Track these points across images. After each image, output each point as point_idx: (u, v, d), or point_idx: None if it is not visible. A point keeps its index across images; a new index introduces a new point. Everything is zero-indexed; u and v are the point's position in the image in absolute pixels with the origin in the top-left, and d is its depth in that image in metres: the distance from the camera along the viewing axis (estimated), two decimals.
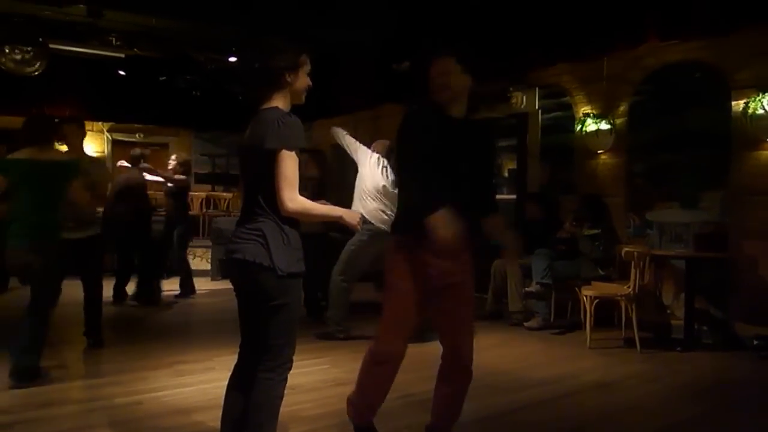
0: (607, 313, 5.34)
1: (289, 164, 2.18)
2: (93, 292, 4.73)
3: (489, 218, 2.70)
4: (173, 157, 7.07)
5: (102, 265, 4.90)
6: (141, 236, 6.63)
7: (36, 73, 7.35)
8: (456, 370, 2.65)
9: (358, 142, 5.37)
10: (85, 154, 4.99)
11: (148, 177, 6.79)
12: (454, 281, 2.57)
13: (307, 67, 2.35)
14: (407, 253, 2.54)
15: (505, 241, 2.76)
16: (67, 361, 4.37)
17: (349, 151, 5.38)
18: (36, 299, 3.79)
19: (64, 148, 4.61)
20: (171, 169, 6.91)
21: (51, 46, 7.42)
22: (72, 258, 4.70)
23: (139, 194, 6.66)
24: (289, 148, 2.18)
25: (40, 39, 7.25)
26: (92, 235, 4.64)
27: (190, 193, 10.78)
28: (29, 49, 7.16)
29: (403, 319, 2.58)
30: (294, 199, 2.18)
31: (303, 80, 2.33)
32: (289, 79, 2.29)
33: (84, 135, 4.94)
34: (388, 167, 5.18)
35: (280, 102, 2.29)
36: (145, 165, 6.78)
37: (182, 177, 6.87)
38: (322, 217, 2.46)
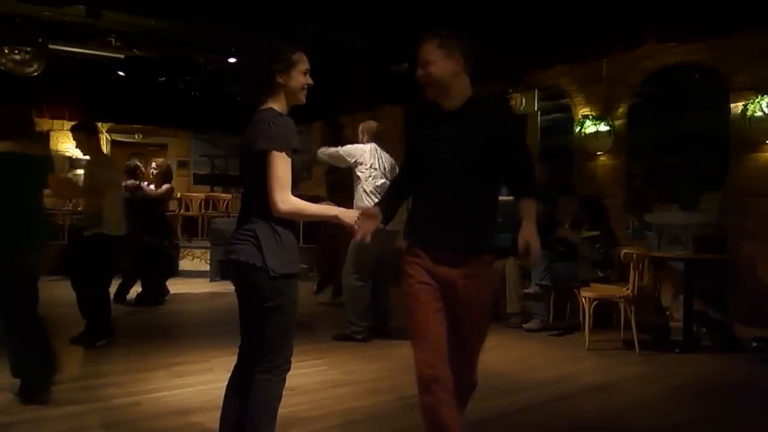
0: (606, 314, 5.33)
1: (280, 165, 2.16)
2: (90, 292, 4.74)
3: (521, 202, 2.43)
4: (153, 164, 6.97)
5: (101, 265, 4.87)
6: (152, 244, 6.62)
7: (35, 73, 7.35)
8: (455, 379, 2.40)
9: (341, 147, 5.25)
10: (99, 156, 5.01)
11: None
12: (457, 293, 2.35)
13: (302, 66, 2.30)
14: (420, 262, 2.38)
15: (524, 237, 2.36)
16: (65, 361, 4.35)
17: (340, 162, 5.24)
18: (28, 304, 3.49)
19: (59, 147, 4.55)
20: (153, 177, 6.84)
21: (50, 46, 7.43)
22: (73, 257, 4.71)
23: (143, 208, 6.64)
24: (279, 149, 2.16)
25: (40, 39, 7.26)
26: (91, 235, 4.64)
27: (189, 194, 10.87)
28: (28, 49, 7.16)
29: (419, 327, 2.35)
30: (285, 200, 2.17)
31: (297, 80, 2.29)
32: (281, 81, 2.26)
33: (93, 139, 4.93)
34: (383, 155, 5.11)
35: (275, 103, 2.28)
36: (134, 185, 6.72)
37: (162, 190, 6.78)
38: (316, 217, 2.43)
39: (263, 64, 2.27)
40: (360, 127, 5.36)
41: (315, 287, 7.43)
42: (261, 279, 2.20)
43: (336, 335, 5.10)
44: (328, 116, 9.31)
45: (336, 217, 2.34)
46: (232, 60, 8.25)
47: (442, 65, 2.31)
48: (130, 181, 6.62)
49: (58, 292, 6.23)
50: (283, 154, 2.17)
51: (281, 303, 2.24)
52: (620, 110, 6.16)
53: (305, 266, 8.52)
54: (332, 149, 5.30)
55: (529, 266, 5.62)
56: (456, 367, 2.37)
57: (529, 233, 2.36)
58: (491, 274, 2.44)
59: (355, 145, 5.23)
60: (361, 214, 2.38)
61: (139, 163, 6.99)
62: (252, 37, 6.96)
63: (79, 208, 7.09)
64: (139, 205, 6.45)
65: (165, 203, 7.07)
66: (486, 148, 2.32)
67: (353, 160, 5.14)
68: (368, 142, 5.24)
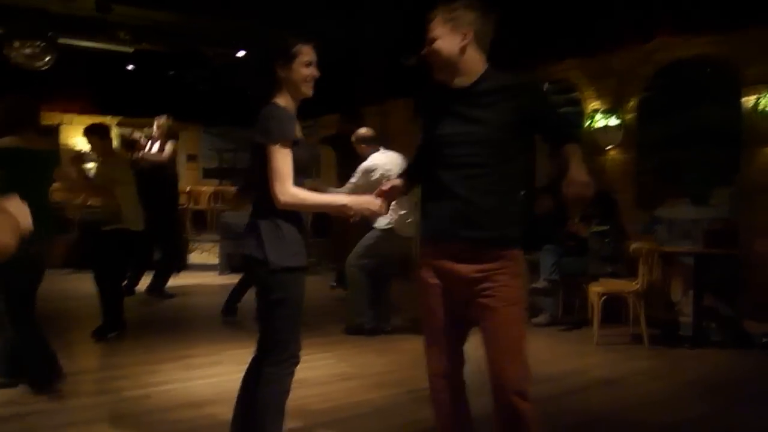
0: (614, 309, 5.31)
1: (278, 157, 2.15)
2: (100, 285, 4.79)
3: (564, 148, 2.18)
4: (156, 124, 6.71)
5: (118, 259, 4.90)
6: (163, 229, 6.52)
7: (45, 67, 7.40)
8: (494, 392, 2.24)
9: (354, 180, 4.96)
10: (111, 157, 5.05)
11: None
12: (477, 291, 2.16)
13: (304, 58, 2.24)
14: (433, 262, 2.22)
15: (571, 175, 2.09)
16: (77, 354, 4.40)
17: (364, 186, 4.83)
18: (32, 297, 3.48)
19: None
20: (157, 136, 6.61)
21: (60, 40, 7.46)
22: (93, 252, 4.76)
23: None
24: (273, 142, 2.15)
25: (50, 33, 7.30)
26: (111, 230, 4.69)
27: (198, 188, 10.89)
28: (38, 43, 7.21)
29: (431, 334, 2.28)
30: (285, 192, 2.16)
31: (299, 72, 2.24)
32: (282, 74, 2.24)
33: (106, 141, 4.98)
34: (392, 156, 5.01)
35: (281, 98, 2.26)
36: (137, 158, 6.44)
37: (166, 152, 6.51)
38: (322, 206, 2.37)
39: (264, 57, 2.26)
40: (353, 140, 5.16)
41: (335, 281, 7.29)
42: (262, 272, 2.21)
43: (345, 328, 5.12)
44: (340, 110, 9.32)
45: (345, 206, 2.26)
46: (240, 53, 8.27)
47: (447, 40, 2.09)
48: (137, 154, 6.51)
49: (70, 285, 6.30)
50: (279, 146, 2.16)
51: (284, 297, 2.23)
52: (631, 104, 6.12)
53: (313, 260, 8.54)
54: (351, 188, 4.91)
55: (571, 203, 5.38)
56: (490, 375, 2.24)
57: (576, 170, 2.10)
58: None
59: (365, 165, 4.97)
60: (384, 188, 2.31)
61: (136, 137, 6.95)
62: (260, 31, 6.97)
63: (89, 203, 7.11)
64: (143, 175, 6.28)
65: (172, 165, 6.80)
66: (504, 123, 2.08)
67: (369, 179, 4.83)
68: (370, 150, 5.08)
